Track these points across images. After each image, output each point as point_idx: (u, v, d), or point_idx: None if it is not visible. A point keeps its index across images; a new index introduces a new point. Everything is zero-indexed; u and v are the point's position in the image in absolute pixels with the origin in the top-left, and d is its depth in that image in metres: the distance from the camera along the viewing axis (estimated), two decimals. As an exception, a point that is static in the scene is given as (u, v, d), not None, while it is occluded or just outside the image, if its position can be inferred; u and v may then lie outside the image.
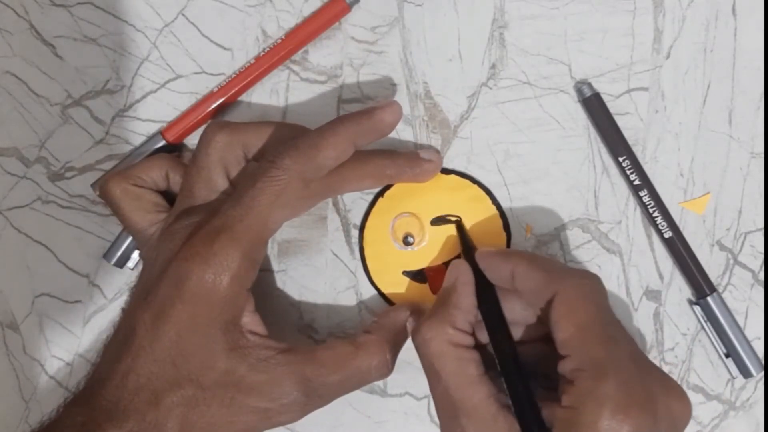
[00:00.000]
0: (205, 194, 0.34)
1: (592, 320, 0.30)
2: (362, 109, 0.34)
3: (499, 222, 0.38)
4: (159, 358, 0.31)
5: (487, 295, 0.34)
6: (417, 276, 0.38)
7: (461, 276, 0.34)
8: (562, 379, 0.31)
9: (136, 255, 0.38)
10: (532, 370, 0.32)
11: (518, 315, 0.34)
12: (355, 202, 0.39)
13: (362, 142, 0.34)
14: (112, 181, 0.36)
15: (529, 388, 0.31)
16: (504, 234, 0.38)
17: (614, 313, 0.32)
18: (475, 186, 0.38)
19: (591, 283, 0.32)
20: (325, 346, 0.33)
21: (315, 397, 0.33)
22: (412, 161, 0.36)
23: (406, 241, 0.38)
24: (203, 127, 0.37)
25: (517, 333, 0.34)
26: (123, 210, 0.36)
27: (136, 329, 0.31)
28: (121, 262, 0.38)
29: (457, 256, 0.38)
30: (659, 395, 0.29)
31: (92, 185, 0.38)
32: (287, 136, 0.34)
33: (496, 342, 0.33)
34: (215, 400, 0.31)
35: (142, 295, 0.32)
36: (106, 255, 0.38)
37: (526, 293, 0.33)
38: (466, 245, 0.37)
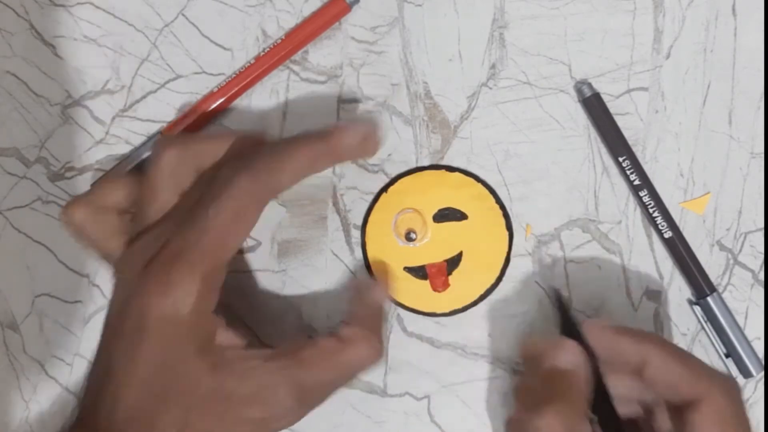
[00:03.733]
0: (158, 215, 0.32)
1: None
2: (322, 129, 0.33)
3: (502, 221, 0.38)
4: (143, 389, 0.30)
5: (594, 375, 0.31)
6: (418, 272, 0.38)
7: (575, 359, 0.32)
8: None
9: (136, 255, 0.38)
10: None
11: (622, 390, 0.33)
12: (355, 202, 0.39)
13: (322, 167, 0.33)
14: (72, 208, 0.34)
15: None
16: (506, 233, 0.38)
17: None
18: (479, 184, 0.38)
19: (737, 393, 0.32)
20: (310, 344, 0.32)
21: (309, 398, 0.32)
22: (328, 143, 0.33)
23: (409, 237, 0.38)
24: (203, 127, 0.37)
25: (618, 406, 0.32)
26: (87, 237, 0.34)
27: (113, 364, 0.30)
28: (121, 262, 0.38)
29: (458, 255, 0.38)
30: None
31: (92, 185, 0.38)
32: (245, 147, 0.33)
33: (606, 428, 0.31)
34: (208, 416, 0.30)
35: (111, 330, 0.32)
36: (106, 255, 0.38)
37: (658, 384, 0.32)
38: (569, 321, 0.33)
